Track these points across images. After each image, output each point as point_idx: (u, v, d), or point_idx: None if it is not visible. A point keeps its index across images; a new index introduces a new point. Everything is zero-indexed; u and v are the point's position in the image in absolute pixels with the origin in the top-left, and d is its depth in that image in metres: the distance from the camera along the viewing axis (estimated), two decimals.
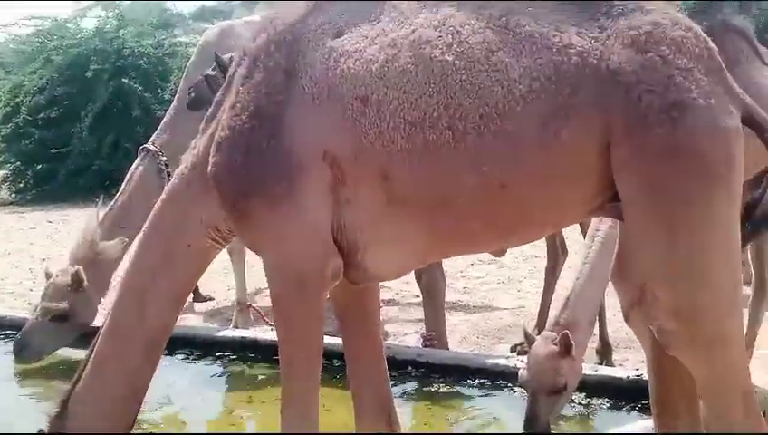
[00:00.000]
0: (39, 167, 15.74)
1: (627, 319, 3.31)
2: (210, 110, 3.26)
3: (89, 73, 15.37)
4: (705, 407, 2.92)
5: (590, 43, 2.75)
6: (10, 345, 5.81)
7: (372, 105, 2.83)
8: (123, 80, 15.36)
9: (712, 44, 2.84)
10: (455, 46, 2.80)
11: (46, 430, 3.48)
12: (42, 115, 15.39)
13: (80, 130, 15.07)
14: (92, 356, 3.42)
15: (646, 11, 2.80)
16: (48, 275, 5.78)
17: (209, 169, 3.07)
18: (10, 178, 16.32)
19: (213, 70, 5.23)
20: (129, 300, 3.38)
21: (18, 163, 16.26)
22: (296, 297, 3.11)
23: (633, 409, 4.64)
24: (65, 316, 5.68)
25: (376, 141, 2.84)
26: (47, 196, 15.05)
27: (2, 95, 15.78)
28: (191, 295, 6.48)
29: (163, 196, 3.37)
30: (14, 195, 16.00)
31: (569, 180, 2.82)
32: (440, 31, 2.84)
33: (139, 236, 3.52)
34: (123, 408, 3.45)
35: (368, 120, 2.84)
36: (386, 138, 2.81)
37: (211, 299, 7.47)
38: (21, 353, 5.67)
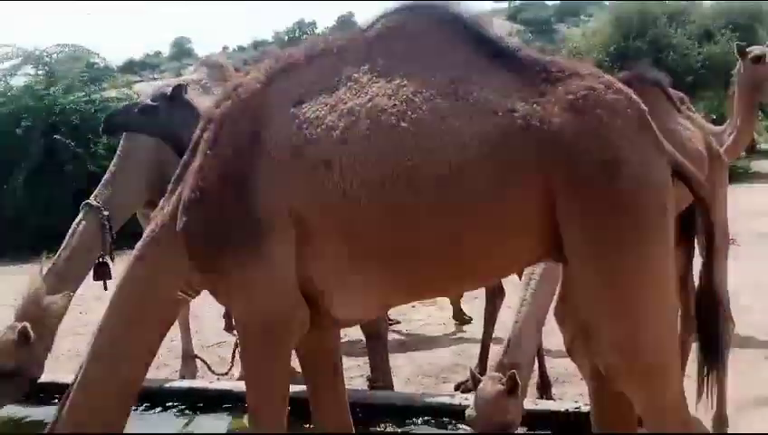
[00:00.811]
0: None
1: (570, 353, 3.42)
2: (177, 171, 3.28)
3: (20, 131, 15.27)
4: (648, 430, 3.04)
5: (532, 107, 2.84)
6: None
7: (335, 168, 2.88)
8: (55, 136, 15.25)
9: (642, 106, 2.99)
10: (409, 113, 2.87)
11: None
12: None
13: (13, 187, 14.94)
14: (65, 410, 3.41)
15: (581, 76, 2.94)
16: None
17: (179, 227, 3.11)
18: None
19: (159, 102, 5.12)
20: (102, 354, 3.40)
21: None
22: (265, 348, 3.14)
23: None
24: (12, 374, 5.52)
25: (339, 201, 2.90)
26: None
27: None
28: None
29: (135, 253, 3.38)
30: None
31: (517, 232, 2.92)
32: (394, 99, 2.90)
33: (113, 294, 3.50)
34: None
35: (331, 182, 2.90)
36: (348, 198, 2.88)
37: None
38: None
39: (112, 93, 17.54)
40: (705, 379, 3.50)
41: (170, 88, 5.23)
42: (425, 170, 2.82)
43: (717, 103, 21.64)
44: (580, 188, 2.80)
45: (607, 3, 26.69)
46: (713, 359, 3.36)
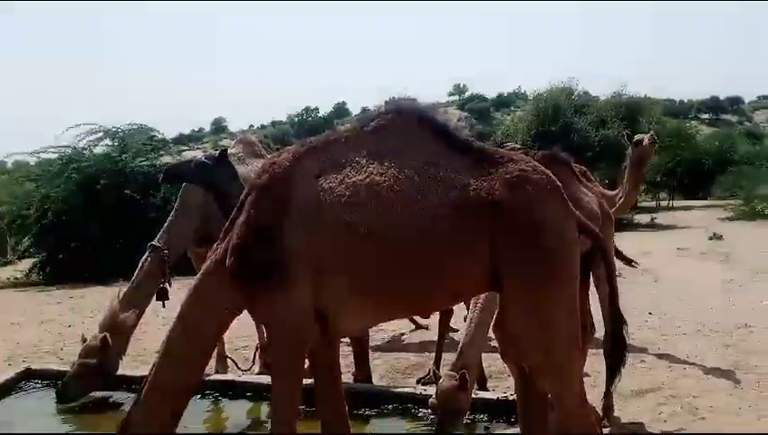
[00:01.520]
0: (61, 256, 15.21)
1: (503, 357, 3.46)
2: (226, 225, 3.26)
3: (98, 186, 15.09)
4: (557, 413, 3.04)
5: (482, 183, 2.90)
6: (51, 391, 5.66)
7: (342, 225, 2.91)
8: (125, 191, 15.12)
9: (558, 183, 3.03)
10: (395, 186, 2.91)
11: None
12: (64, 218, 14.99)
13: (92, 230, 14.77)
14: (141, 403, 3.35)
15: (515, 162, 2.99)
16: (84, 340, 5.68)
17: (227, 264, 3.10)
18: (38, 266, 15.75)
19: (213, 161, 4.99)
20: (169, 358, 3.35)
21: (46, 254, 15.74)
22: (286, 352, 3.12)
23: (503, 420, 4.73)
24: (96, 369, 5.56)
25: (344, 248, 2.92)
26: (68, 278, 14.43)
27: (34, 203, 15.27)
28: None
29: (195, 281, 3.34)
30: (42, 278, 15.41)
31: (471, 270, 2.93)
32: (385, 176, 2.94)
33: (179, 310, 3.43)
34: None
35: (339, 235, 2.91)
36: (351, 246, 2.89)
37: None
38: (62, 398, 5.53)
39: (167, 159, 17.38)
40: (609, 376, 3.56)
41: (218, 151, 5.16)
42: (407, 227, 2.86)
43: (609, 172, 21.98)
44: (513, 241, 2.85)
45: (530, 97, 26.74)
46: (619, 360, 3.43)
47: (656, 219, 22.42)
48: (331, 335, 3.20)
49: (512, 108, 35.59)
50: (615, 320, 3.41)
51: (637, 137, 7.76)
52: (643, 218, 22.26)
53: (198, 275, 3.34)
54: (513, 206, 2.86)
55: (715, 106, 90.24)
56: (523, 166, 2.98)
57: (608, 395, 5.28)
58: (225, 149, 5.32)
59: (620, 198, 7.71)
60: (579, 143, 21.32)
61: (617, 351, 3.41)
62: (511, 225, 2.85)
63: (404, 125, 3.09)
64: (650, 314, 8.87)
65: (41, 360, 6.93)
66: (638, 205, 25.51)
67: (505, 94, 77.77)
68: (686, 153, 29.12)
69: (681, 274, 11.92)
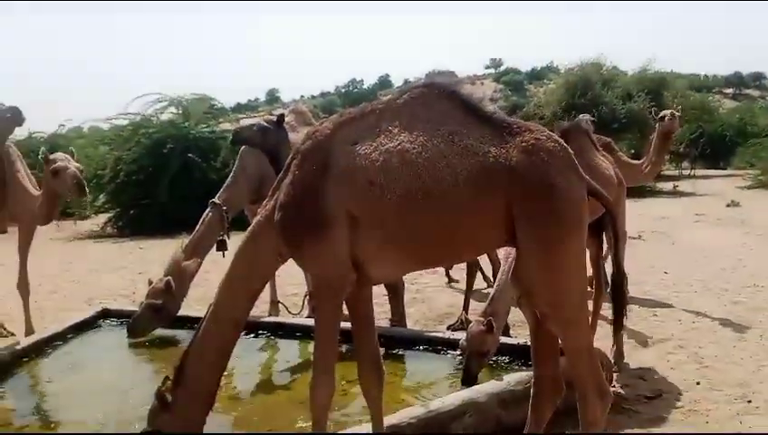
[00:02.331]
0: (132, 212, 15.67)
1: (519, 306, 3.54)
2: (275, 184, 3.31)
3: (165, 150, 15.34)
4: (567, 358, 3.08)
5: (500, 150, 2.92)
6: (123, 328, 5.85)
7: (376, 186, 2.94)
8: (189, 154, 15.34)
9: (570, 150, 3.05)
10: (423, 153, 2.93)
11: (169, 388, 3.45)
12: (134, 178, 15.35)
13: (160, 188, 15.04)
14: (199, 336, 3.46)
15: (531, 131, 3.01)
16: (150, 283, 5.84)
17: (275, 219, 3.17)
18: (113, 220, 16.21)
19: (273, 126, 5.13)
20: (224, 297, 3.42)
21: (119, 209, 16.19)
22: (328, 295, 3.17)
23: (523, 363, 4.77)
24: (160, 309, 5.71)
25: (377, 205, 2.95)
26: (138, 231, 14.90)
27: (108, 164, 15.67)
28: None
29: (248, 233, 3.41)
30: (116, 231, 15.87)
31: (489, 227, 2.97)
32: (414, 144, 2.96)
33: (233, 257, 3.48)
34: (218, 368, 3.48)
35: (373, 193, 2.95)
36: (383, 203, 2.93)
37: None
38: (132, 333, 5.72)
39: (226, 126, 17.54)
40: (616, 326, 3.62)
41: (276, 117, 5.26)
42: (433, 188, 2.90)
43: (634, 143, 21.62)
44: (527, 201, 2.89)
45: (562, 72, 26.22)
46: (620, 313, 3.48)
47: (677, 187, 22.02)
48: (366, 282, 3.25)
49: (545, 81, 34.85)
50: (617, 275, 3.45)
51: (662, 113, 7.73)
52: (666, 186, 21.88)
53: (250, 228, 3.42)
54: (528, 170, 2.90)
55: (738, 81, 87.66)
56: (538, 135, 3.01)
57: (617, 342, 5.37)
58: (283, 115, 5.42)
59: (646, 166, 7.70)
60: (606, 115, 20.91)
61: (617, 302, 3.45)
62: (525, 187, 2.89)
63: (432, 98, 3.12)
64: (666, 272, 8.83)
65: (115, 301, 7.19)
66: (662, 173, 25.12)
67: (539, 68, 76.41)
68: (709, 125, 28.43)
69: (697, 237, 11.80)
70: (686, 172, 27.87)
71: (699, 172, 27.75)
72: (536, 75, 70.28)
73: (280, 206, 3.15)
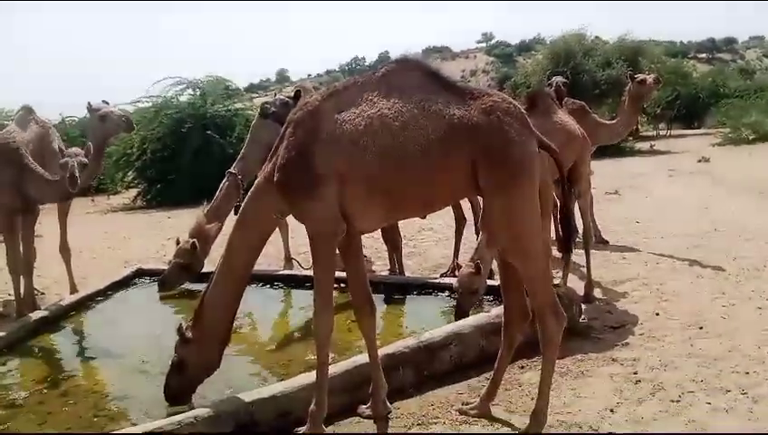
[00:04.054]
0: (158, 186, 15.88)
1: (487, 245, 3.71)
2: (273, 150, 3.44)
3: (184, 129, 15.49)
4: (526, 287, 3.28)
5: (463, 112, 3.09)
6: (155, 284, 6.10)
7: (359, 146, 3.10)
8: (207, 132, 15.46)
9: (522, 110, 3.20)
10: (399, 117, 3.10)
11: (188, 326, 3.66)
12: (159, 155, 15.52)
13: (183, 163, 15.23)
14: (213, 283, 3.63)
15: (490, 95, 3.18)
16: (177, 243, 6.03)
17: (275, 179, 3.31)
18: (142, 194, 16.45)
19: (291, 100, 5.25)
20: (233, 248, 3.59)
21: (146, 184, 16.42)
22: (321, 244, 3.32)
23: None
24: (187, 267, 5.91)
25: (361, 164, 3.10)
26: (164, 203, 15.12)
27: (135, 143, 15.80)
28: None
29: (251, 192, 3.55)
30: (145, 203, 16.10)
31: (458, 178, 3.13)
32: (391, 110, 3.13)
33: (239, 214, 3.65)
34: (230, 309, 3.65)
35: (357, 154, 3.11)
36: (366, 161, 3.09)
37: None
38: (162, 288, 5.96)
39: (239, 105, 17.62)
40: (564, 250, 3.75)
41: (294, 92, 5.41)
42: (408, 147, 3.07)
43: (613, 107, 21.58)
44: (488, 154, 3.05)
45: (548, 42, 26.05)
46: (566, 252, 3.65)
47: (654, 146, 22.08)
48: (354, 232, 3.41)
49: (532, 53, 34.55)
50: (565, 209, 3.56)
51: (639, 76, 7.78)
52: (643, 146, 21.92)
53: (252, 188, 3.57)
54: (488, 128, 3.06)
55: (711, 47, 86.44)
56: (495, 98, 3.17)
57: (589, 280, 5.61)
58: (300, 91, 5.56)
59: (619, 125, 7.80)
60: (587, 82, 20.90)
61: (565, 231, 3.59)
62: (486, 142, 3.05)
63: (405, 71, 3.28)
64: (637, 222, 9.01)
65: (147, 263, 7.40)
66: (640, 134, 25.10)
67: (527, 41, 75.44)
68: (684, 88, 28.31)
69: (669, 191, 11.94)
70: (662, 133, 27.85)
71: (675, 132, 27.74)
72: (525, 47, 69.49)
73: (278, 168, 3.31)
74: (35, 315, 5.35)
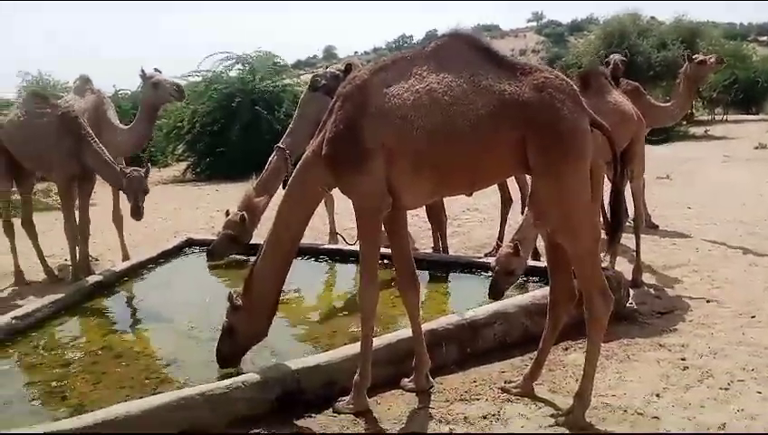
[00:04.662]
0: (208, 159, 16.05)
1: (535, 224, 3.66)
2: (321, 124, 3.44)
3: (234, 104, 15.58)
4: (574, 268, 3.23)
5: (514, 88, 3.04)
6: (204, 254, 6.25)
7: (408, 121, 3.08)
8: (255, 107, 15.56)
9: (574, 87, 3.12)
10: (448, 92, 3.06)
11: (239, 294, 3.73)
12: (209, 129, 15.69)
13: (231, 137, 15.32)
14: (262, 254, 3.69)
15: (542, 71, 3.11)
16: (227, 214, 6.16)
17: (323, 153, 3.32)
18: (191, 166, 16.67)
19: (342, 73, 5.25)
20: (281, 221, 3.63)
21: (196, 157, 16.60)
22: (367, 217, 3.32)
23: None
24: (235, 238, 6.05)
25: (409, 139, 3.09)
26: (214, 176, 15.31)
27: (185, 117, 16.01)
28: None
29: (299, 166, 3.57)
30: (194, 176, 16.33)
31: (506, 155, 3.09)
32: (440, 84, 3.09)
33: (287, 187, 3.68)
34: (278, 279, 3.70)
35: (405, 128, 3.09)
36: (414, 137, 3.07)
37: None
38: (211, 258, 6.11)
39: (287, 81, 17.66)
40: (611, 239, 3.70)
41: (345, 65, 5.39)
42: (457, 122, 3.03)
43: (668, 89, 20.93)
44: (538, 131, 3.00)
45: (601, 22, 25.37)
46: (614, 234, 3.57)
47: (708, 131, 21.35)
48: (400, 207, 3.40)
49: (584, 33, 33.66)
50: (615, 194, 3.49)
51: (698, 56, 7.53)
52: (697, 130, 21.22)
53: (300, 162, 3.60)
54: (539, 104, 3.00)
55: None
56: (547, 74, 3.11)
57: (637, 262, 5.50)
58: (350, 64, 5.54)
59: (674, 107, 7.59)
60: (641, 64, 20.29)
61: (614, 222, 3.52)
62: (536, 119, 3.00)
63: (456, 46, 3.23)
64: (689, 208, 8.78)
65: (197, 233, 7.55)
66: (694, 119, 24.31)
67: (579, 20, 73.60)
68: (742, 72, 27.19)
69: (723, 177, 11.57)
70: (718, 118, 26.92)
71: (731, 117, 26.75)
72: (576, 27, 67.70)
73: (326, 141, 3.32)
74: (90, 280, 5.53)
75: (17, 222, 6.78)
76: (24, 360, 4.17)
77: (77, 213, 6.12)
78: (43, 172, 6.51)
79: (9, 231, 6.61)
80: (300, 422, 3.31)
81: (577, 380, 3.58)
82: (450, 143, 3.07)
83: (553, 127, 3.00)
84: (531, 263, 5.34)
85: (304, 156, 3.58)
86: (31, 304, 4.89)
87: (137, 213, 5.72)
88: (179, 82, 6.58)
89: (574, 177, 3.03)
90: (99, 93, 6.76)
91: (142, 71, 6.39)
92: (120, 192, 6.76)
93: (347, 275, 5.99)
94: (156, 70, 6.47)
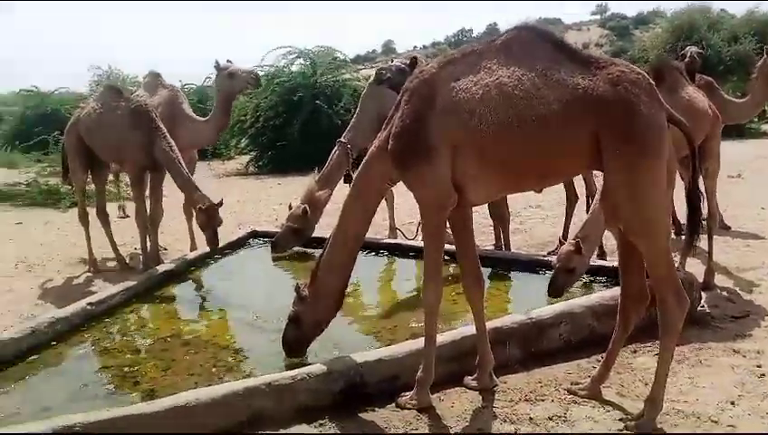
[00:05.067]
0: (270, 153, 16.27)
1: (607, 223, 3.55)
2: (387, 118, 3.42)
3: (295, 98, 15.74)
4: (647, 269, 3.11)
5: (588, 82, 2.94)
6: (268, 245, 6.30)
7: (476, 116, 3.02)
8: (316, 101, 15.67)
9: (651, 81, 3.00)
10: (519, 86, 2.98)
11: (305, 285, 3.77)
12: (271, 123, 15.87)
13: (292, 131, 15.46)
14: (328, 247, 3.71)
15: (617, 65, 3.00)
16: (290, 208, 6.19)
17: (389, 147, 3.30)
18: (254, 160, 16.92)
19: (407, 67, 5.13)
20: (347, 214, 3.64)
21: (258, 151, 16.85)
22: (432, 214, 3.29)
23: (617, 282, 4.80)
24: (298, 230, 6.05)
25: (476, 134, 3.02)
26: (275, 170, 15.52)
27: (248, 111, 16.25)
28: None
29: (365, 161, 3.56)
30: (257, 169, 16.56)
31: (578, 152, 2.99)
32: (511, 78, 3.01)
33: (354, 181, 3.68)
34: (343, 272, 3.72)
35: (473, 123, 3.02)
36: (482, 132, 3.01)
37: None
38: (274, 250, 6.12)
39: (347, 76, 17.68)
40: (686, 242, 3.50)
41: (410, 59, 5.30)
42: (527, 117, 2.95)
43: (740, 85, 20.05)
44: (613, 127, 2.89)
45: (668, 15, 24.48)
46: (692, 233, 3.42)
47: None
48: (465, 204, 3.35)
49: (650, 26, 32.54)
50: (692, 192, 3.34)
51: None
52: None
53: (366, 157, 3.59)
54: (614, 99, 2.90)
55: None
56: (623, 68, 3.00)
57: (709, 265, 5.29)
58: (416, 58, 5.49)
59: (749, 104, 7.24)
60: (712, 58, 19.47)
61: (691, 221, 3.36)
62: (611, 114, 2.89)
63: (527, 39, 3.15)
64: (762, 208, 8.38)
65: (260, 226, 7.67)
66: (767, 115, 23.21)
67: (645, 13, 71.24)
68: None
69: None
70: None
71: None
72: (642, 20, 65.44)
73: (392, 136, 3.29)
74: (160, 268, 5.70)
75: (92, 211, 7.02)
76: (98, 344, 4.33)
77: (148, 202, 6.29)
78: (116, 163, 6.74)
79: (84, 220, 6.86)
80: (363, 416, 3.31)
81: (646, 383, 3.51)
82: (520, 139, 2.99)
83: (629, 123, 2.89)
84: (597, 262, 5.26)
85: (370, 150, 3.57)
86: (104, 291, 5.06)
87: (214, 243, 5.76)
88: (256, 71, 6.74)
89: (650, 175, 2.92)
90: (172, 88, 6.94)
91: (216, 62, 6.54)
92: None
93: (406, 270, 5.97)
94: (228, 61, 6.61)
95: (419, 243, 6.36)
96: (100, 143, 6.34)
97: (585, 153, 3.00)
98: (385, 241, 6.61)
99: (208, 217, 5.66)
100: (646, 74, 3.02)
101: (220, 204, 5.76)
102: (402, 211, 7.62)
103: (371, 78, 5.80)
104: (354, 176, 3.71)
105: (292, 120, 15.63)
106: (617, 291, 4.10)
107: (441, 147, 3.13)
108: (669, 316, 3.03)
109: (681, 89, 5.20)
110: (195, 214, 5.93)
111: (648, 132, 2.90)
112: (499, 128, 3.01)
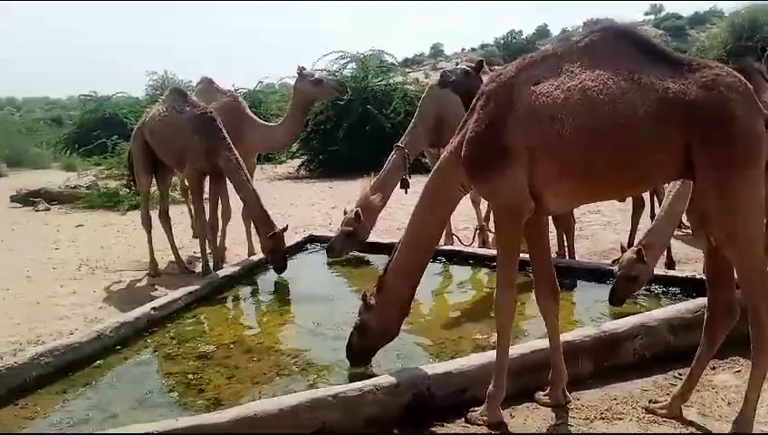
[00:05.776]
0: (320, 157, 16.34)
1: (694, 234, 3.34)
2: (461, 123, 3.32)
3: (345, 102, 15.38)
4: (740, 283, 2.93)
5: (679, 86, 2.79)
6: (323, 250, 6.35)
7: (557, 121, 2.90)
8: (367, 106, 15.66)
9: (749, 84, 2.84)
10: (604, 90, 2.84)
11: (372, 293, 3.69)
12: (322, 127, 15.93)
13: (342, 136, 15.47)
14: (396, 254, 3.63)
15: (711, 67, 2.85)
16: (345, 212, 6.21)
17: (462, 153, 3.19)
18: (305, 164, 17.03)
19: (471, 69, 5.07)
20: (417, 221, 3.57)
21: (309, 155, 16.95)
22: (507, 222, 3.16)
23: (690, 294, 4.64)
24: (353, 235, 6.09)
25: (557, 140, 2.90)
26: (326, 173, 15.58)
27: None
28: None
29: (435, 168, 3.47)
30: (308, 173, 16.66)
31: (667, 160, 2.85)
32: (595, 82, 2.88)
33: (422, 189, 3.58)
34: (411, 280, 3.64)
35: (554, 129, 2.90)
36: (562, 137, 2.88)
37: None
38: (330, 254, 6.18)
39: (397, 79, 17.70)
40: None
41: (476, 62, 5.24)
42: (613, 123, 2.82)
43: None
44: (707, 134, 2.74)
45: (726, 14, 23.64)
46: None
47: None
48: (542, 212, 3.23)
49: (707, 25, 31.52)
50: None
51: None
52: None
53: (438, 163, 3.49)
54: (708, 104, 2.74)
55: None
56: (718, 71, 2.83)
57: None
58: (482, 61, 5.38)
59: None
60: None
61: None
62: (705, 120, 2.74)
63: (612, 40, 3.01)
64: None
65: (316, 230, 7.68)
66: None
67: (701, 12, 69.16)
68: None
69: None
70: None
71: None
72: (698, 20, 63.56)
73: (467, 141, 3.18)
74: (221, 273, 5.72)
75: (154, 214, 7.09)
76: (161, 350, 4.34)
77: (207, 207, 6.33)
78: (178, 168, 6.81)
79: (147, 223, 6.94)
80: (434, 429, 3.21)
81: (729, 403, 3.33)
82: (604, 145, 2.86)
83: (725, 129, 2.73)
84: (669, 273, 5.12)
85: (443, 156, 3.47)
86: (168, 296, 5.08)
87: (282, 268, 5.80)
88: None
89: (746, 185, 2.76)
90: (231, 94, 6.99)
91: (301, 68, 6.65)
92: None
93: (466, 278, 5.86)
94: (301, 67, 6.69)
95: (477, 250, 6.31)
96: (164, 147, 6.41)
97: (674, 162, 2.84)
98: (443, 247, 6.44)
99: (275, 241, 5.69)
100: (742, 78, 2.86)
101: (285, 229, 5.77)
102: (458, 218, 7.48)
103: (434, 80, 5.69)
104: (426, 182, 3.60)
105: (343, 124, 15.65)
106: (694, 303, 4.00)
107: (519, 153, 3.01)
108: (764, 334, 2.83)
109: (762, 93, 4.94)
110: (256, 229, 5.94)
111: (745, 140, 2.74)
112: (581, 134, 2.87)
